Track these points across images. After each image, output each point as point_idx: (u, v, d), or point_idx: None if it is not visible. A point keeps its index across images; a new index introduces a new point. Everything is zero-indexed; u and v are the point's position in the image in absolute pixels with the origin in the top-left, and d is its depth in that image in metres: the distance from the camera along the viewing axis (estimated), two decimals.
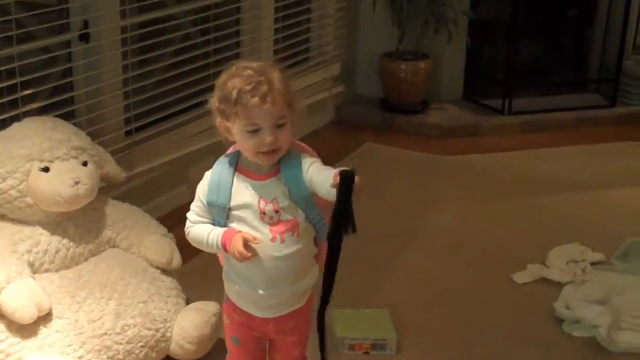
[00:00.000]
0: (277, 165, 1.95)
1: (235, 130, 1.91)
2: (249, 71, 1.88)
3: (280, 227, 1.95)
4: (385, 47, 5.07)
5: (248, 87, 1.86)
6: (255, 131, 1.88)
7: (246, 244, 1.92)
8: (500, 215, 3.89)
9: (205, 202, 1.99)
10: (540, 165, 4.54)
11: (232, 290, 2.08)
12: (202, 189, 2.00)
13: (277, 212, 1.95)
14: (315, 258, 2.07)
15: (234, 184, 1.97)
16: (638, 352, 2.84)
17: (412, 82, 5.00)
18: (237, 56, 4.17)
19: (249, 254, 1.92)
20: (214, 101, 1.93)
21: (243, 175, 1.97)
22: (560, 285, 3.22)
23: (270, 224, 1.95)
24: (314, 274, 2.07)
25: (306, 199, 1.95)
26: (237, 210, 1.97)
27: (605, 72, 5.33)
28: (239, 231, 1.95)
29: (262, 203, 1.94)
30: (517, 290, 3.24)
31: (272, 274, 1.99)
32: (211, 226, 2.01)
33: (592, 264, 3.37)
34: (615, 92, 5.23)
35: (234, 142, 1.97)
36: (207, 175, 2.01)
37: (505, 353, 2.85)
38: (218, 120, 1.94)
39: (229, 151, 2.03)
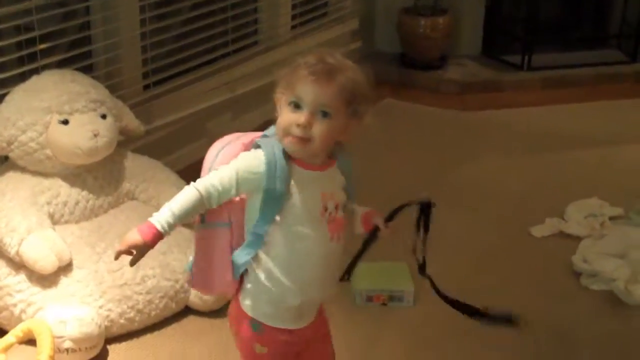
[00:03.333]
0: (330, 157, 1.77)
1: (282, 103, 1.70)
2: (326, 55, 1.71)
3: (337, 225, 1.77)
4: (404, 2, 5.02)
5: (312, 61, 1.69)
6: (297, 106, 1.67)
7: (132, 247, 1.68)
8: (519, 170, 3.88)
9: (253, 186, 1.70)
10: (559, 120, 4.50)
11: (261, 309, 1.78)
12: (251, 168, 1.69)
13: (336, 207, 1.76)
14: None
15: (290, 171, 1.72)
16: None
17: (431, 37, 4.95)
18: (254, 11, 4.15)
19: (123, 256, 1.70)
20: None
21: (295, 164, 1.72)
22: (578, 239, 3.22)
23: (329, 221, 1.75)
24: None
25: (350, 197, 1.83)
26: (295, 204, 1.71)
27: (626, 28, 5.26)
28: (155, 228, 1.69)
29: (324, 198, 1.74)
30: (536, 243, 3.25)
31: (323, 277, 1.79)
32: (193, 198, 1.69)
33: (611, 218, 3.36)
34: (636, 48, 5.15)
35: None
36: (258, 155, 1.70)
37: (523, 306, 2.84)
38: (278, 89, 1.73)
39: (256, 136, 1.77)
